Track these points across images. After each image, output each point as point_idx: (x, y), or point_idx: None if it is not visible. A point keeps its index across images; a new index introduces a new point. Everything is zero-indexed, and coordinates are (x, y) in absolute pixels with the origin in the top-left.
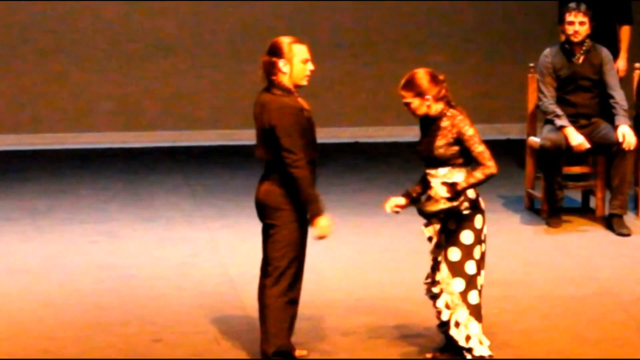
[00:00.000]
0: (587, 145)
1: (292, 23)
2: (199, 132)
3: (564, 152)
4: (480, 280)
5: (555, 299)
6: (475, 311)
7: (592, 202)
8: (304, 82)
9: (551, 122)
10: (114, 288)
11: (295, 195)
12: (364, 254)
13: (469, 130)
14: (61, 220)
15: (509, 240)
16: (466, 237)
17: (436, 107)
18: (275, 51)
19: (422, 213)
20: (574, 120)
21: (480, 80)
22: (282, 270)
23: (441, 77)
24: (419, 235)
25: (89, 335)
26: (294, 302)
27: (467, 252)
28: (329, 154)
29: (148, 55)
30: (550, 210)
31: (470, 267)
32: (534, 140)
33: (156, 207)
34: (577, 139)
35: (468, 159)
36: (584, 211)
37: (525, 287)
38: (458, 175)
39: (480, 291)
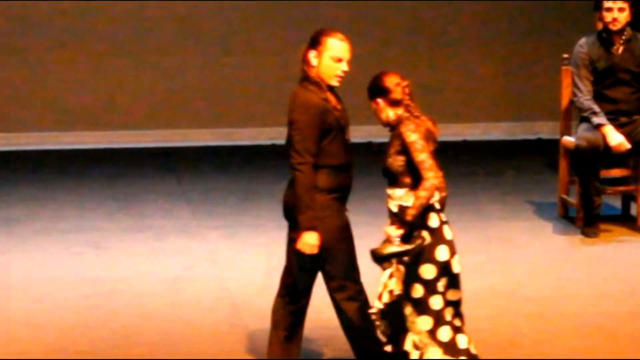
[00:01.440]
0: (628, 146)
1: (294, 19)
2: (195, 131)
3: (601, 153)
4: (448, 314)
5: (591, 316)
6: (450, 349)
7: (633, 209)
8: (333, 82)
9: (587, 119)
10: (100, 305)
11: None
12: None
13: (411, 136)
14: (40, 229)
15: (540, 252)
16: (427, 271)
17: (391, 113)
18: (312, 40)
19: (374, 256)
20: (613, 118)
21: (508, 73)
22: (343, 278)
23: (397, 79)
24: None
25: (71, 357)
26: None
27: (430, 287)
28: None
29: (136, 51)
30: (586, 218)
31: (435, 303)
32: (568, 140)
33: (147, 214)
34: (616, 138)
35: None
36: (624, 219)
37: (557, 303)
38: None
39: (452, 324)
